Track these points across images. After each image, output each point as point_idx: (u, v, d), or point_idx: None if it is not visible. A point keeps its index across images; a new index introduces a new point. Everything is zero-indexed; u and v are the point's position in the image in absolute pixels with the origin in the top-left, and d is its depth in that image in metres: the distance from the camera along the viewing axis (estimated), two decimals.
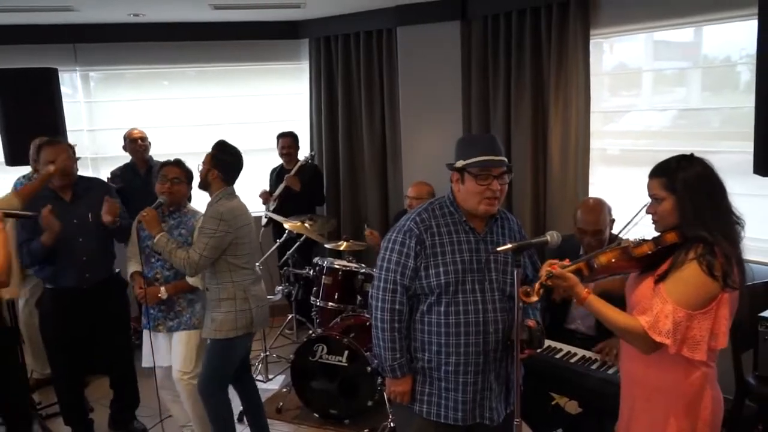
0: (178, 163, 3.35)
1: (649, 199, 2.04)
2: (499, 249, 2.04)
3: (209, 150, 3.17)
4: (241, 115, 5.66)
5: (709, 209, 1.92)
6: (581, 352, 2.84)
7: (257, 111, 5.72)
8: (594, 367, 2.73)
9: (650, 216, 2.06)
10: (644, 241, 2.03)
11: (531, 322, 2.17)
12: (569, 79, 4.14)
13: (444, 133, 4.75)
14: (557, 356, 2.84)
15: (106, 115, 5.51)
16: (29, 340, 4.28)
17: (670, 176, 1.96)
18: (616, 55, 4.27)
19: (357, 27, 5.21)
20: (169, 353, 3.34)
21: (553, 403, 2.91)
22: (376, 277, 2.33)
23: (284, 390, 4.21)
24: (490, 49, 4.57)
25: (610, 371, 2.67)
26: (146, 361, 3.38)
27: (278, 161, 5.33)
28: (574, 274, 2.01)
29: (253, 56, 5.62)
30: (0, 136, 4.50)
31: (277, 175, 5.27)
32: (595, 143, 4.19)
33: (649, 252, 1.99)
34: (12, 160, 4.44)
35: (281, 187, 5.07)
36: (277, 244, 4.74)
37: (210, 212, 3.07)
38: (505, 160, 2.20)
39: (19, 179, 4.33)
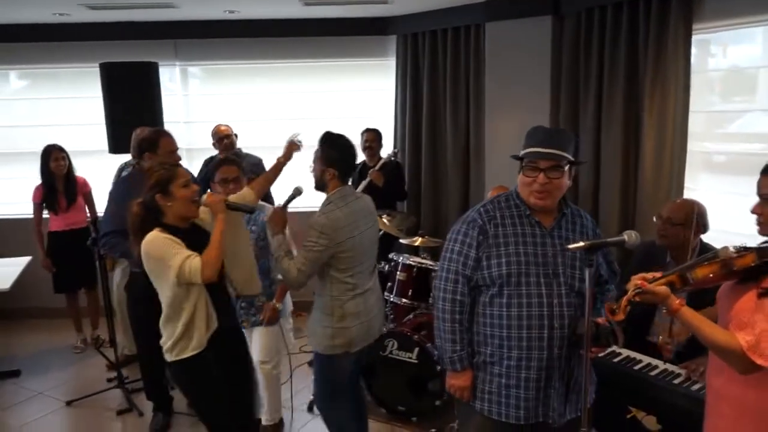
0: (233, 161, 3.36)
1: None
2: (570, 246, 1.94)
3: (317, 144, 2.89)
4: (327, 110, 5.75)
5: None
6: (663, 365, 2.65)
7: (344, 107, 5.78)
8: (677, 381, 2.53)
9: (755, 217, 1.86)
10: (746, 250, 1.82)
11: (600, 320, 2.04)
12: (667, 77, 3.88)
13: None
14: (636, 367, 2.66)
15: (201, 108, 5.76)
16: (121, 319, 4.54)
17: None
18: (727, 54, 3.95)
19: (445, 23, 5.14)
20: (251, 346, 3.41)
21: (630, 416, 2.72)
22: (439, 268, 2.31)
23: None
24: (582, 45, 4.37)
25: (695, 387, 2.47)
26: None
27: (361, 158, 5.35)
28: (667, 285, 1.85)
29: (342, 52, 5.69)
30: (105, 125, 4.81)
31: (359, 171, 5.29)
32: (696, 147, 3.91)
33: (753, 264, 1.79)
34: (115, 148, 4.73)
35: (364, 182, 5.08)
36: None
37: (313, 222, 2.76)
38: (558, 153, 2.09)
39: (122, 165, 4.61)
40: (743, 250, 1.81)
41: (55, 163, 4.69)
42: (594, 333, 2.02)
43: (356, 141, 5.17)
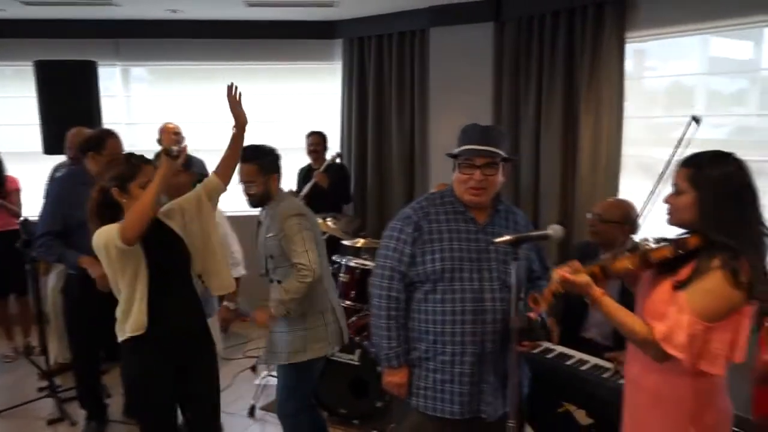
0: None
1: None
2: (497, 240, 1.97)
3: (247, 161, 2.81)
4: (273, 113, 5.71)
5: (733, 214, 1.75)
6: (594, 360, 2.71)
7: (289, 110, 5.76)
8: (605, 375, 2.59)
9: (667, 206, 1.92)
10: (664, 242, 1.88)
11: (533, 315, 2.07)
12: (602, 83, 4.01)
13: None
14: (568, 363, 2.71)
15: (143, 109, 5.64)
16: (55, 326, 4.37)
17: (698, 170, 1.80)
18: (667, 64, 4.09)
19: (391, 28, 5.20)
20: None
21: (562, 410, 2.77)
22: (375, 265, 2.31)
23: None
24: (522, 51, 4.48)
25: (622, 381, 2.52)
26: None
27: (306, 161, 5.33)
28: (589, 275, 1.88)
29: (289, 55, 5.67)
30: (39, 125, 4.65)
31: (305, 174, 5.27)
32: (632, 151, 4.03)
33: (670, 256, 1.85)
34: (49, 149, 4.58)
35: (309, 185, 5.06)
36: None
37: (284, 214, 2.77)
38: (493, 150, 2.12)
39: (56, 166, 4.46)
40: (661, 243, 1.87)
41: None
42: (526, 327, 2.04)
43: (301, 144, 5.24)
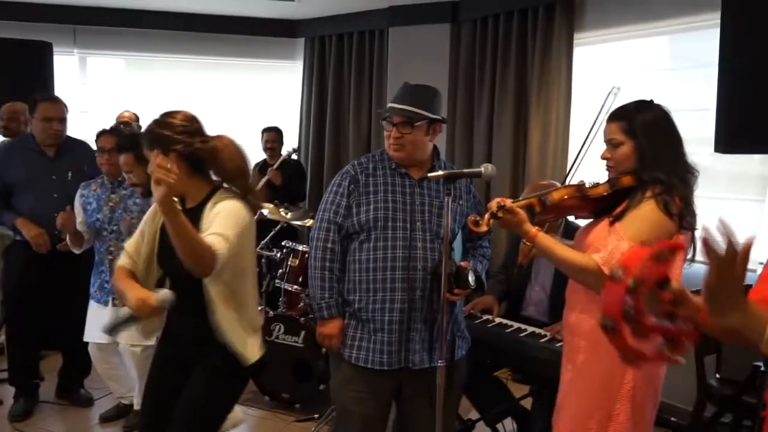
0: (113, 132, 3.27)
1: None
2: (430, 175, 2.01)
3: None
4: (231, 108, 5.71)
5: (667, 153, 1.87)
6: (531, 329, 2.74)
7: (247, 106, 5.77)
8: (542, 340, 2.61)
9: (605, 162, 1.99)
10: (600, 183, 1.96)
11: (464, 263, 2.11)
12: (551, 82, 4.14)
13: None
14: (506, 330, 2.73)
15: (99, 98, 5.58)
16: None
17: (630, 120, 1.90)
18: (616, 64, 4.23)
19: (351, 27, 5.30)
20: None
21: (498, 373, 2.78)
22: (315, 219, 2.36)
23: None
24: (477, 51, 4.60)
25: (559, 344, 2.55)
26: (89, 336, 3.29)
27: (262, 157, 5.32)
28: (525, 210, 1.91)
29: (250, 52, 5.71)
30: None
31: (260, 170, 5.24)
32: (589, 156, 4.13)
33: (605, 193, 1.91)
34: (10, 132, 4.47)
35: (263, 181, 5.04)
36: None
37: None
38: (409, 109, 2.17)
39: None
40: (597, 183, 1.93)
41: None
42: (454, 273, 2.08)
43: (257, 140, 5.24)
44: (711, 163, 3.50)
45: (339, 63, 5.45)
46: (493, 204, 1.89)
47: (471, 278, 2.12)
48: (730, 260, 1.07)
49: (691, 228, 1.84)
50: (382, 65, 5.15)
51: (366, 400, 2.26)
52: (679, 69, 3.89)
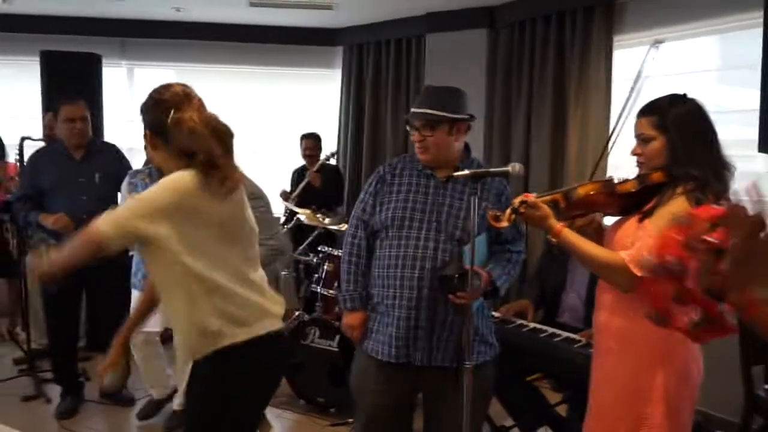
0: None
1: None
2: (456, 174, 2.00)
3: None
4: (271, 116, 5.81)
5: (700, 148, 1.81)
6: (566, 334, 2.68)
7: (288, 114, 5.86)
8: (576, 346, 2.56)
9: (635, 159, 1.94)
10: (629, 179, 1.91)
11: (473, 267, 2.09)
12: (590, 85, 4.08)
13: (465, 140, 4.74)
14: (541, 335, 2.69)
15: None
16: (32, 307, 4.35)
17: (662, 114, 1.85)
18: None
19: (389, 34, 5.33)
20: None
21: (531, 378, 2.73)
22: None
23: None
24: (515, 56, 4.57)
25: (591, 350, 2.49)
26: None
27: (300, 163, 5.39)
28: (550, 205, 1.88)
29: (290, 61, 5.80)
30: (41, 115, 4.75)
31: (299, 175, 5.32)
32: (619, 154, 4.05)
33: (633, 190, 1.86)
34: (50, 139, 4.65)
35: (302, 184, 5.11)
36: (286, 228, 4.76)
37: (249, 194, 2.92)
38: (429, 112, 2.21)
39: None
40: (626, 179, 1.89)
41: None
42: (457, 276, 2.07)
43: (295, 146, 5.31)
44: (755, 165, 3.38)
45: (377, 70, 5.49)
46: (516, 200, 1.87)
47: (476, 283, 2.09)
48: (759, 224, 0.96)
49: None
50: (420, 72, 5.16)
51: (376, 390, 2.32)
52: (721, 70, 3.78)
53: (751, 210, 0.97)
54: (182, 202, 1.77)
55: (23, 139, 4.16)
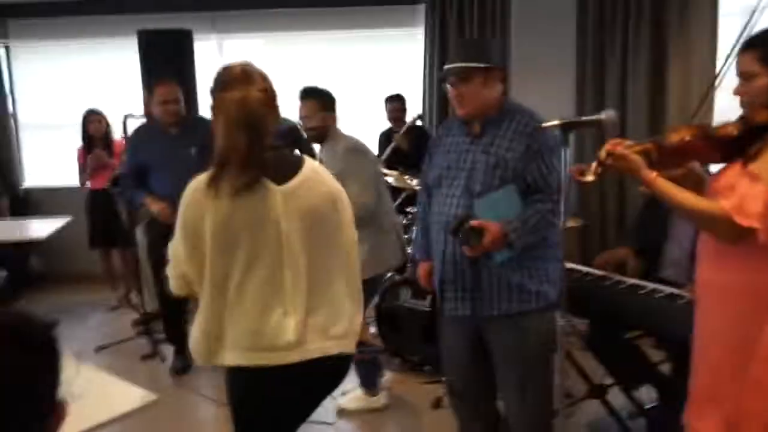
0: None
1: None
2: (546, 125, 1.91)
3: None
4: (356, 79, 5.80)
5: None
6: (669, 290, 2.54)
7: (372, 76, 5.83)
8: (680, 302, 2.42)
9: (738, 100, 1.78)
10: (730, 122, 1.74)
11: (475, 222, 2.11)
12: (692, 20, 3.77)
13: (556, 90, 4.56)
14: (640, 292, 2.56)
15: None
16: (143, 273, 4.64)
17: (766, 47, 1.67)
18: None
19: None
20: None
21: (630, 335, 2.61)
22: None
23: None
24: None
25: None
26: None
27: (387, 126, 5.37)
28: (642, 156, 1.75)
29: (372, 22, 5.74)
30: (142, 92, 4.99)
31: (386, 138, 5.32)
32: (726, 96, 3.76)
33: (735, 133, 1.69)
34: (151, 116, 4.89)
35: (390, 147, 5.10)
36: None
37: (349, 146, 3.09)
38: (461, 66, 2.20)
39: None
40: (726, 123, 1.73)
41: (93, 126, 4.92)
42: (455, 227, 2.13)
43: (381, 108, 5.29)
44: None
45: (460, 26, 5.32)
46: (603, 152, 1.75)
47: (474, 238, 2.11)
48: None
49: None
50: (506, 25, 4.96)
51: (444, 342, 2.52)
52: None
53: None
54: (195, 202, 1.81)
55: (126, 117, 4.43)
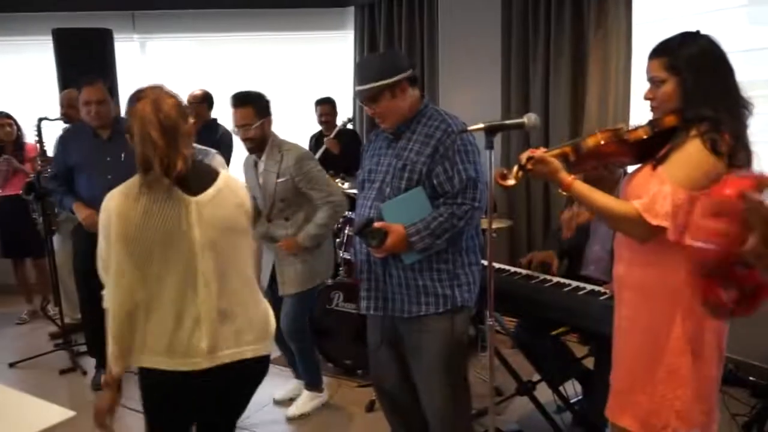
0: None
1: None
2: (470, 128, 1.94)
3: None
4: (285, 82, 5.74)
5: (715, 87, 1.71)
6: (590, 287, 2.63)
7: (301, 79, 5.79)
8: (601, 298, 2.52)
9: (648, 104, 1.87)
10: (640, 125, 1.83)
11: (378, 224, 2.21)
12: (609, 29, 3.93)
13: (483, 94, 4.66)
14: (564, 289, 2.65)
15: (161, 81, 5.69)
16: (63, 283, 4.43)
17: (673, 54, 1.75)
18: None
19: None
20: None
21: (556, 332, 2.70)
22: None
23: None
24: (530, 5, 4.42)
25: None
26: None
27: (317, 129, 5.34)
28: (560, 159, 1.82)
29: (301, 25, 5.71)
30: (58, 94, 4.75)
31: (316, 141, 5.28)
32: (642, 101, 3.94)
33: (645, 136, 1.77)
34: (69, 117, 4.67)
35: (320, 151, 5.07)
36: None
37: (298, 155, 3.08)
38: (365, 88, 2.24)
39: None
40: (637, 126, 1.81)
41: (1, 130, 4.65)
42: (357, 231, 2.23)
43: (311, 112, 5.25)
44: None
45: (389, 29, 5.38)
46: (523, 156, 1.80)
47: (373, 241, 2.19)
48: None
49: (745, 165, 1.67)
50: (433, 27, 5.04)
51: (369, 342, 2.56)
52: (751, 5, 3.61)
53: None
54: (119, 210, 1.85)
55: (40, 120, 4.21)
